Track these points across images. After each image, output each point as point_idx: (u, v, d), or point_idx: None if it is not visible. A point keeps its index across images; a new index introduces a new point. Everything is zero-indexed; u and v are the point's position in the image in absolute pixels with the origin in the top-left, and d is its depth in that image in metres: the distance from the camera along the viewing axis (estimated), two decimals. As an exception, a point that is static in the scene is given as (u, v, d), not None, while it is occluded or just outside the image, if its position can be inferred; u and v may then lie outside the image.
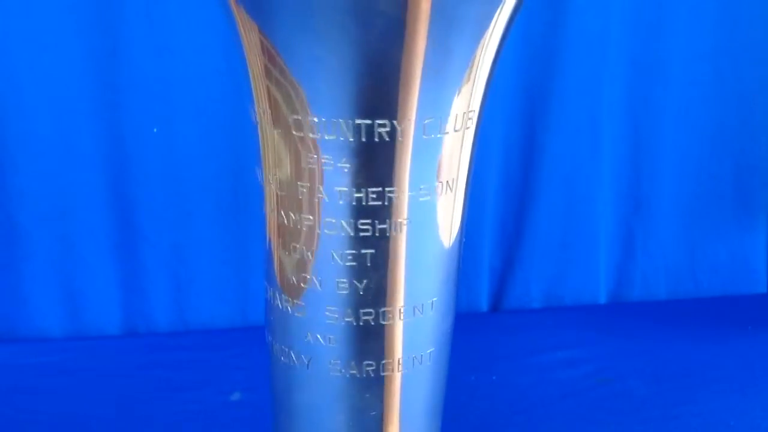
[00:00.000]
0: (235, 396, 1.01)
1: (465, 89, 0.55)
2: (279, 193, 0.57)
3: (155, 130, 1.10)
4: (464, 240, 0.63)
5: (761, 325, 1.22)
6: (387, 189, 0.54)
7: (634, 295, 1.32)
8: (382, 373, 0.60)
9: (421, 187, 0.55)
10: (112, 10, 1.06)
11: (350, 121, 0.52)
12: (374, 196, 0.54)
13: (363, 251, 0.56)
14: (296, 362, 0.61)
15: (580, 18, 1.17)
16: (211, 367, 1.08)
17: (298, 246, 0.57)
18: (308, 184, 0.55)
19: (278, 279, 0.60)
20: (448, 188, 0.57)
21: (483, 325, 1.25)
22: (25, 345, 1.14)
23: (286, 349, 0.62)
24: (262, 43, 0.52)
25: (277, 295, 0.61)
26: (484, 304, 1.29)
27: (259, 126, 0.57)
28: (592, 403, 1.01)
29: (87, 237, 1.14)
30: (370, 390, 0.61)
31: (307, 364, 0.60)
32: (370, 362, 0.59)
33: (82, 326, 1.18)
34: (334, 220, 0.55)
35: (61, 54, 1.06)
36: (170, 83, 1.09)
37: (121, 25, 1.06)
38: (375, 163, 0.53)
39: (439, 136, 0.55)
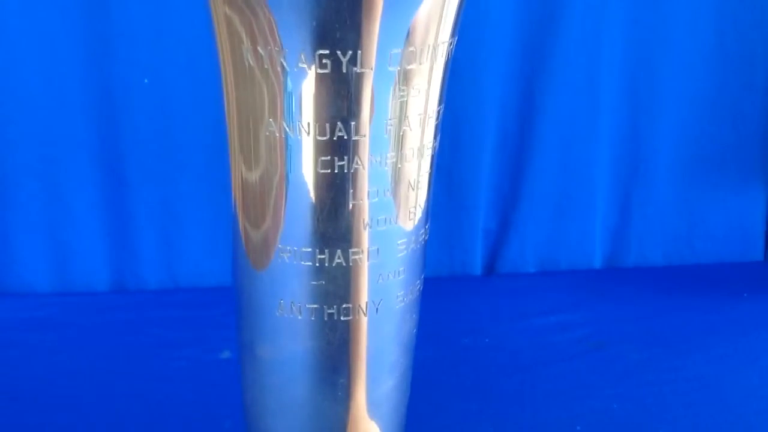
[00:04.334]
0: (225, 354, 1.00)
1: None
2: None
3: (146, 81, 1.08)
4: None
5: (757, 292, 1.22)
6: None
7: (629, 260, 1.32)
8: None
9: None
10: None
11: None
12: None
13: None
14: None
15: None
16: (201, 325, 1.07)
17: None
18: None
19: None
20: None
21: (477, 288, 1.24)
22: (11, 299, 1.13)
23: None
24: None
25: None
26: (478, 268, 1.28)
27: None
28: (586, 367, 1.01)
29: (75, 191, 1.13)
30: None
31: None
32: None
33: (69, 281, 1.17)
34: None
35: (50, 3, 1.04)
36: (162, 33, 1.07)
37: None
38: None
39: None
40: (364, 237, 0.56)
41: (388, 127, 0.54)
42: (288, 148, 0.54)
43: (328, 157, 0.53)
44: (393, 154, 0.55)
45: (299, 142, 0.53)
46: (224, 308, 1.09)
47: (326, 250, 0.56)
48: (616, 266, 1.32)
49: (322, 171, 0.54)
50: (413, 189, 0.58)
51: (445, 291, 1.19)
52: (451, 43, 0.56)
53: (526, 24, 1.17)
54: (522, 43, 1.18)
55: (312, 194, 0.55)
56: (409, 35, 0.52)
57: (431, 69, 0.55)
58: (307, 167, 0.54)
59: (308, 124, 0.52)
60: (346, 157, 0.53)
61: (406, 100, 0.54)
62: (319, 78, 0.51)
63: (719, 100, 1.26)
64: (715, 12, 1.21)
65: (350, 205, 0.55)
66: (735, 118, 1.28)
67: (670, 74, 1.23)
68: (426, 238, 0.62)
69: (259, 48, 0.51)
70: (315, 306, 0.58)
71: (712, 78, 1.25)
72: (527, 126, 1.22)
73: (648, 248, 1.31)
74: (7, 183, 1.11)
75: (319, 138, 0.53)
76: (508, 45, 1.17)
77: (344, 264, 0.57)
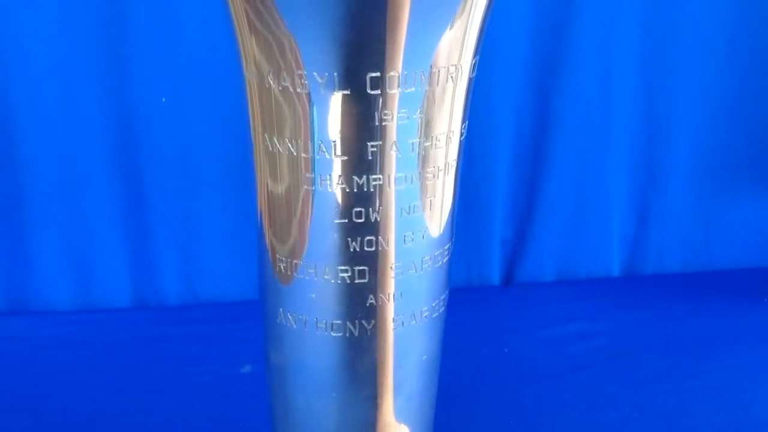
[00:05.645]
0: (246, 368, 1.00)
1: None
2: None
3: (163, 99, 1.09)
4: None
5: (777, 298, 1.21)
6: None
7: (648, 267, 1.31)
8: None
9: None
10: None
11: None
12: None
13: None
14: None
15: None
16: (222, 340, 1.08)
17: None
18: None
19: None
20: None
21: (495, 298, 1.24)
22: (33, 318, 1.13)
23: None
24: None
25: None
26: (496, 278, 1.28)
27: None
28: (605, 376, 1.00)
29: (95, 209, 1.13)
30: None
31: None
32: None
33: (91, 299, 1.17)
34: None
35: (69, 22, 1.05)
36: (178, 52, 1.08)
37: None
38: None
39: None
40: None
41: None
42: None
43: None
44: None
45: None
46: (245, 323, 1.11)
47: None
48: (635, 274, 1.31)
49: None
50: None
51: (464, 301, 1.19)
52: (473, 63, 0.57)
53: (539, 36, 1.17)
54: (536, 55, 1.18)
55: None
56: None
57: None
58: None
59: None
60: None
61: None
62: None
63: (734, 107, 1.26)
64: (728, 20, 1.21)
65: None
66: (750, 125, 1.27)
67: (685, 83, 1.23)
68: (449, 257, 0.63)
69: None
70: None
71: (726, 85, 1.24)
72: (543, 136, 1.22)
73: (666, 255, 1.31)
74: (27, 202, 1.12)
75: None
76: (522, 56, 1.17)
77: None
